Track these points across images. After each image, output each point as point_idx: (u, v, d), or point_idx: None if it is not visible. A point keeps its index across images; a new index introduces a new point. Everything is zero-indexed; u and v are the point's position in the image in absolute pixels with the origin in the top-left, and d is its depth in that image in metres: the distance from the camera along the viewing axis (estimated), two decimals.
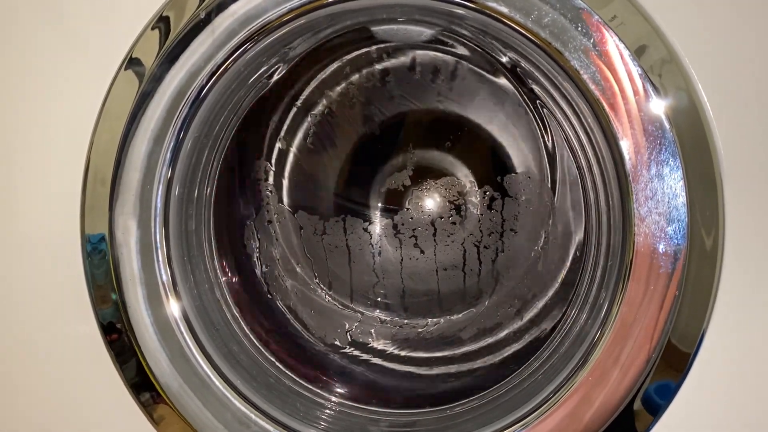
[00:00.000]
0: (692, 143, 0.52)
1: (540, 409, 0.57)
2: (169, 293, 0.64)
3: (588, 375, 0.56)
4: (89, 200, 0.62)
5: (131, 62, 0.61)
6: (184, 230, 0.67)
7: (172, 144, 0.62)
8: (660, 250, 0.53)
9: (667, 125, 0.52)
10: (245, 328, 0.74)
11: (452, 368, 0.78)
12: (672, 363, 0.54)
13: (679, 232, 0.53)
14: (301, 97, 0.81)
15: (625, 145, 0.53)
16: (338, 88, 0.81)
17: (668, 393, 0.54)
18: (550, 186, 0.78)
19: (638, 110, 0.52)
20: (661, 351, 0.53)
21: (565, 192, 0.77)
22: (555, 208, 0.78)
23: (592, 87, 0.53)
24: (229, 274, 0.75)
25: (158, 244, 0.63)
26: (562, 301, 0.72)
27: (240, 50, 0.60)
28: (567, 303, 0.70)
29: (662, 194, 0.53)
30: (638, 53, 0.53)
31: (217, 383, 0.63)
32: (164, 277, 0.64)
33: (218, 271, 0.73)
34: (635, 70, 0.52)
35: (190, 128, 0.63)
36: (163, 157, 0.62)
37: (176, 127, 0.62)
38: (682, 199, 0.52)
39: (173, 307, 0.64)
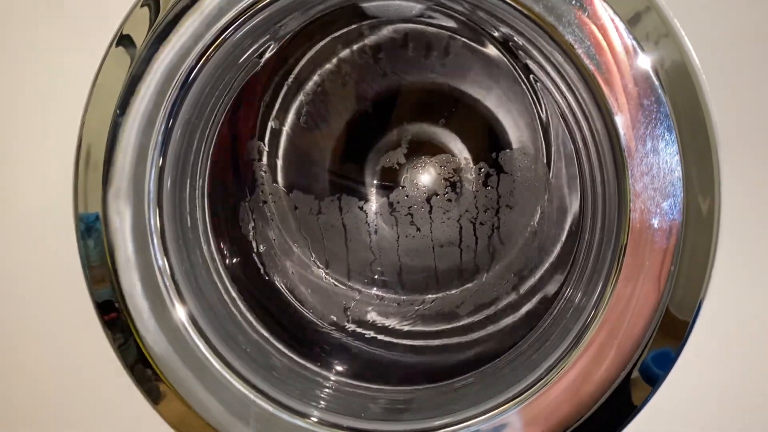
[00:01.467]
0: (688, 117, 0.52)
1: (538, 384, 0.58)
2: (165, 277, 0.64)
3: (585, 348, 0.56)
4: (82, 181, 0.61)
5: (122, 39, 0.60)
6: (178, 213, 0.66)
7: (163, 127, 0.61)
8: (655, 226, 0.53)
9: (663, 98, 0.52)
10: (243, 309, 0.74)
11: (450, 343, 0.78)
12: (670, 331, 0.54)
13: (675, 207, 0.52)
14: (293, 75, 0.80)
15: (620, 120, 0.52)
16: (330, 66, 0.80)
17: (667, 362, 0.55)
18: (545, 161, 0.78)
19: (633, 85, 0.52)
20: (659, 321, 0.54)
21: (560, 167, 0.76)
22: (550, 183, 0.77)
23: (587, 62, 0.52)
24: (227, 255, 0.75)
25: (153, 228, 0.63)
26: (559, 275, 0.72)
27: (230, 29, 0.59)
28: (563, 277, 0.71)
29: (658, 169, 0.52)
30: (632, 23, 0.52)
31: (216, 365, 0.63)
32: (160, 262, 0.64)
33: (215, 253, 0.73)
34: (630, 43, 0.52)
35: (181, 110, 0.62)
36: (155, 140, 0.61)
37: (167, 108, 0.61)
38: (677, 173, 0.52)
39: (170, 291, 0.64)
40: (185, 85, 0.61)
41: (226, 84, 0.68)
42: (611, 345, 0.55)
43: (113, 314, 0.62)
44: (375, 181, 0.83)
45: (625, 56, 0.52)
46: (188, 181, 0.68)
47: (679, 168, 0.52)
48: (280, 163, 0.82)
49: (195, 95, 0.63)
